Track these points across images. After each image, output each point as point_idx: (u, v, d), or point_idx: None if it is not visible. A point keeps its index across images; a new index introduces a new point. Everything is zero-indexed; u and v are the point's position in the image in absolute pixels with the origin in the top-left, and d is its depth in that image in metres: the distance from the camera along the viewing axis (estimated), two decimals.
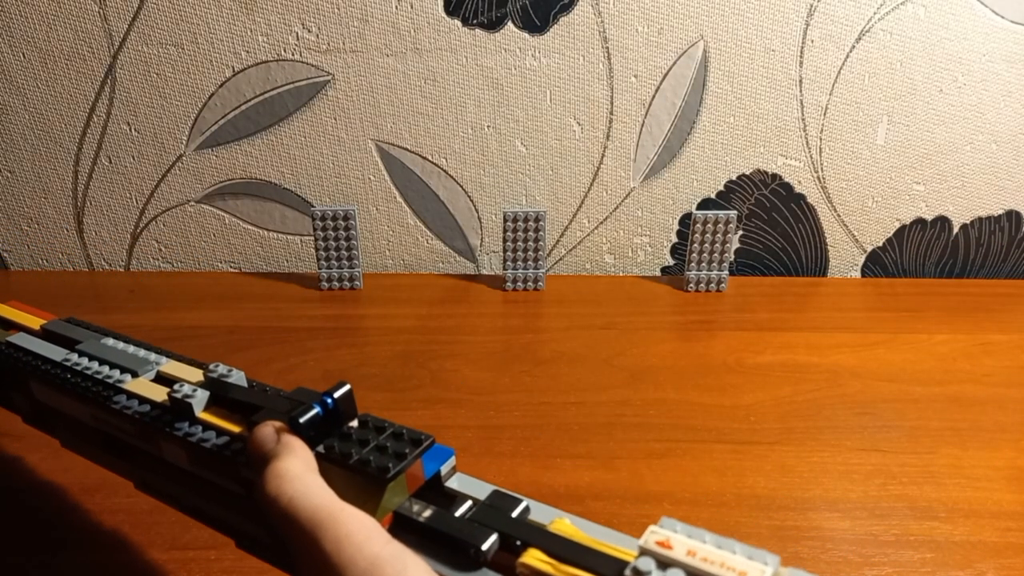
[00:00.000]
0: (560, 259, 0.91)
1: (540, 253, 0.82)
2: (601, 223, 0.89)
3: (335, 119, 0.84)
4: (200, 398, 0.35)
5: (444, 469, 0.33)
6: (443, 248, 0.90)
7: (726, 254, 0.82)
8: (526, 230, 0.81)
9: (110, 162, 0.86)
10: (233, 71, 0.82)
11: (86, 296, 0.84)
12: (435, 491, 0.33)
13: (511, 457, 0.54)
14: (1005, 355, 0.70)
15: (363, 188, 0.87)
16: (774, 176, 0.86)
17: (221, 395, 0.36)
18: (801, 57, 0.81)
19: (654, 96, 0.83)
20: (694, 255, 0.82)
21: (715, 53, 0.81)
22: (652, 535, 0.26)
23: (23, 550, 0.46)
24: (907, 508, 0.50)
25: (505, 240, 0.81)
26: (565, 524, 0.30)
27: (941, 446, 0.56)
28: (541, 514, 0.31)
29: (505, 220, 0.81)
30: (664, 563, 0.25)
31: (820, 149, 0.85)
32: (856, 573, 0.44)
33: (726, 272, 0.83)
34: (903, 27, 0.80)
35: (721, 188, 0.87)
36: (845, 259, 0.91)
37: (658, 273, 0.91)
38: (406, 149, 0.85)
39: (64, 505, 0.49)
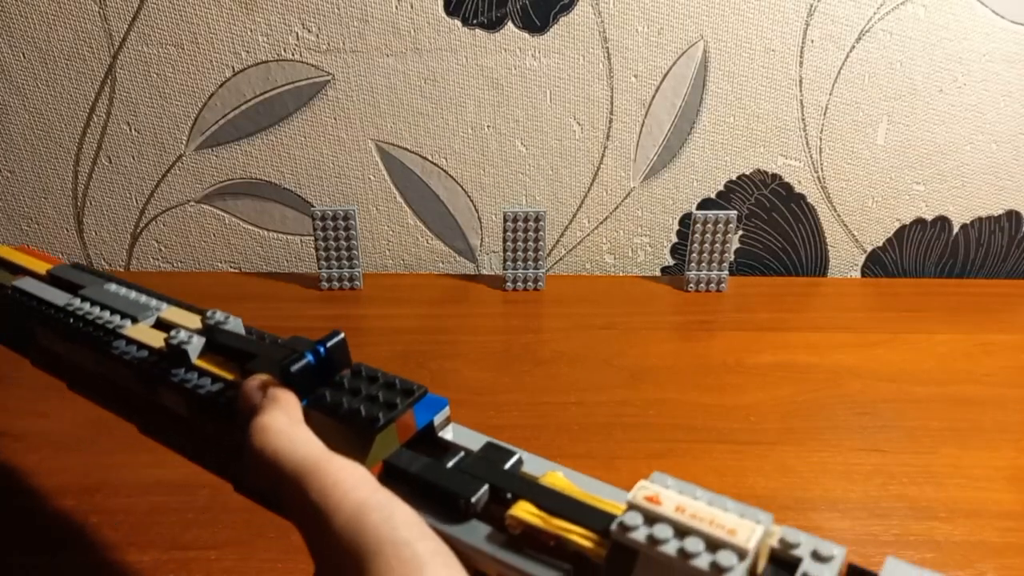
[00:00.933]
0: (560, 259, 0.91)
1: (540, 253, 0.82)
2: (601, 223, 0.89)
3: (335, 119, 0.84)
4: (196, 344, 0.35)
5: (437, 419, 0.33)
6: (443, 248, 0.90)
7: (726, 254, 0.82)
8: (526, 230, 0.81)
9: (110, 162, 0.86)
10: (233, 71, 0.82)
11: None
12: (428, 441, 0.32)
13: None
14: (1005, 355, 0.70)
15: (363, 188, 0.87)
16: (774, 176, 0.86)
17: (218, 342, 0.36)
18: (801, 57, 0.81)
19: (654, 96, 0.83)
20: (694, 255, 0.82)
21: (715, 53, 0.81)
22: (641, 490, 0.26)
23: (23, 550, 0.46)
24: (907, 508, 0.50)
25: (505, 240, 0.81)
26: (558, 477, 0.30)
27: (941, 446, 0.56)
28: (534, 466, 0.31)
29: (505, 220, 0.81)
30: (652, 518, 0.25)
31: (820, 149, 0.85)
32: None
33: (726, 272, 0.83)
34: (903, 27, 0.80)
35: (721, 188, 0.87)
36: (845, 259, 0.91)
37: (658, 273, 0.91)
38: (406, 149, 0.85)
39: (64, 505, 0.49)
